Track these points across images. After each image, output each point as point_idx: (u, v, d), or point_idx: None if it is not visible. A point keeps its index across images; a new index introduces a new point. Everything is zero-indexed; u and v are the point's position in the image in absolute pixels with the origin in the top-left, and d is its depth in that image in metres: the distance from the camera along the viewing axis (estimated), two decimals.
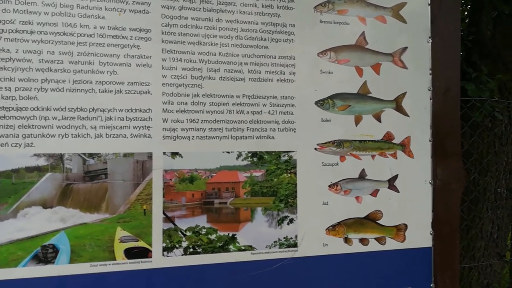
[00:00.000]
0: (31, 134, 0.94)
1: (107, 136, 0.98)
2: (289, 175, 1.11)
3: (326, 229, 1.13)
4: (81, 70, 0.97)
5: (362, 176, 1.16)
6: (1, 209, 0.91)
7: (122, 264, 0.98)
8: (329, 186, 1.13)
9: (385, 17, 1.19)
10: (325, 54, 1.14)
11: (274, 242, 1.09)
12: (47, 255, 0.92)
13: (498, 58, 2.89)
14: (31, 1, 0.94)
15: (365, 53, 1.17)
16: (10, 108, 0.93)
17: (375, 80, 1.18)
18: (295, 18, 1.12)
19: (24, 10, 0.94)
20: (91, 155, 0.98)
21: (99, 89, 0.98)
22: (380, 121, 1.18)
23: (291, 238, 1.11)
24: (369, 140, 1.17)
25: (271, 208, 1.10)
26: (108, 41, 0.98)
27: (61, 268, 0.95)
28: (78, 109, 0.96)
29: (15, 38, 0.93)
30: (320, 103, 1.14)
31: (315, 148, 1.13)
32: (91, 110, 0.97)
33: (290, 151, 1.11)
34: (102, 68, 0.98)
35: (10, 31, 0.93)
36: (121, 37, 0.99)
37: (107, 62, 0.98)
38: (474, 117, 2.45)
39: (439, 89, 1.23)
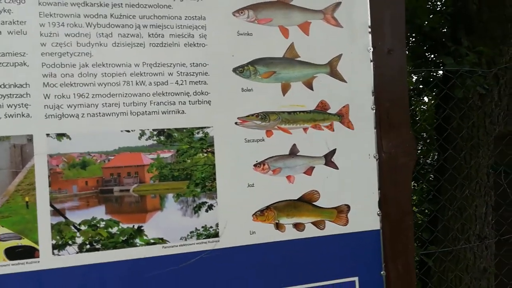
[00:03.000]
0: None
1: None
2: (205, 154, 1.01)
3: (253, 214, 1.02)
4: None
5: (293, 152, 1.05)
6: None
7: (4, 267, 0.87)
8: (255, 165, 1.02)
9: None
10: (242, 12, 1.02)
11: (191, 232, 0.99)
12: None
13: (485, 33, 2.81)
14: None
15: (291, 10, 1.06)
16: None
17: (304, 42, 1.06)
18: None
19: None
20: None
21: None
22: (312, 89, 1.07)
23: (211, 227, 1.00)
24: (300, 111, 1.06)
25: (185, 194, 0.99)
26: None
27: None
28: None
29: None
30: (239, 70, 1.03)
31: (236, 123, 1.02)
32: None
33: (205, 127, 1.00)
34: None
35: None
36: None
37: None
38: (453, 94, 2.37)
39: (381, 49, 1.11)
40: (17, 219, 0.89)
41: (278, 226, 1.04)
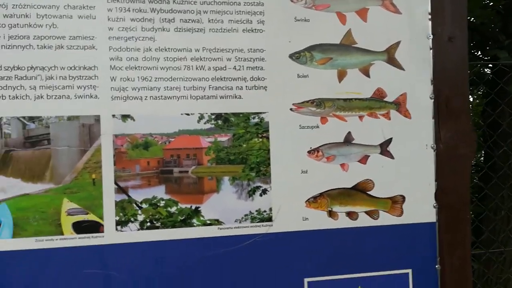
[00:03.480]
0: None
1: (48, 97, 0.92)
2: (260, 139, 1.02)
3: (306, 201, 1.03)
4: (17, 24, 0.93)
5: (348, 140, 1.05)
6: None
7: (71, 240, 0.93)
8: (309, 152, 1.03)
9: None
10: None
11: (245, 215, 1.01)
12: None
13: None
14: None
15: None
16: None
17: (362, 28, 1.05)
18: None
19: None
20: (31, 119, 0.93)
21: (38, 45, 0.93)
22: (368, 76, 1.06)
23: (265, 211, 1.02)
24: (355, 99, 1.05)
25: (241, 177, 1.01)
26: None
27: (3, 243, 0.91)
28: (15, 68, 0.92)
29: None
30: (296, 56, 1.03)
31: (291, 109, 1.03)
32: (29, 68, 0.93)
33: (261, 112, 1.02)
34: (40, 22, 0.93)
35: None
36: None
37: (46, 15, 0.93)
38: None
39: (442, 37, 1.09)
40: (84, 195, 0.94)
41: (331, 214, 1.04)
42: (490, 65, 2.63)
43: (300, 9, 1.04)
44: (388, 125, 1.06)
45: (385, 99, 1.06)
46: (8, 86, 0.91)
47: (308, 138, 1.04)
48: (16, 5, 0.91)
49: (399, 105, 1.07)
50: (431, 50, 1.08)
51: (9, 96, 0.91)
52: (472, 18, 3.23)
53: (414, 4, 1.08)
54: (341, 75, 1.05)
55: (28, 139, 0.93)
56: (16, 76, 0.91)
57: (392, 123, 1.07)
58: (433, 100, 1.08)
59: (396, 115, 1.07)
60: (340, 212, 1.05)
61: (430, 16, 1.09)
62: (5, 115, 0.92)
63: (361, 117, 1.05)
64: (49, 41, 0.92)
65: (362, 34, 1.06)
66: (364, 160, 1.05)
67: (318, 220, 1.04)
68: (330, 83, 1.05)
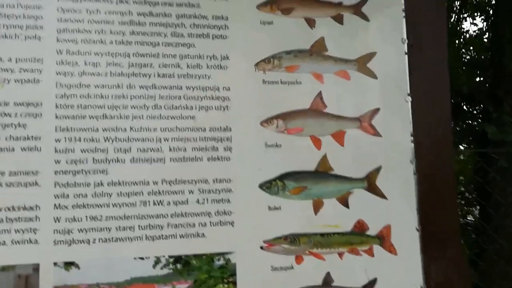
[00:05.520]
0: None
1: None
2: (226, 285, 0.93)
3: None
4: None
5: (327, 282, 0.96)
6: None
7: None
8: None
9: (349, 72, 1.06)
10: (270, 123, 0.99)
11: None
12: None
13: None
14: None
15: (324, 119, 1.01)
16: None
17: (339, 153, 1.01)
18: (229, 78, 0.98)
19: None
20: None
21: None
22: (347, 207, 0.99)
23: None
24: (334, 233, 0.97)
25: None
26: None
27: None
28: None
29: None
30: (266, 187, 0.97)
31: (261, 247, 0.95)
32: None
33: (226, 253, 0.93)
34: None
35: None
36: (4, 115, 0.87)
37: None
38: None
39: (426, 168, 1.05)
40: None
41: None
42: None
43: (271, 134, 0.98)
44: (372, 263, 0.98)
45: (366, 233, 0.99)
46: None
47: (281, 281, 0.93)
48: None
49: (383, 239, 0.99)
50: (415, 176, 1.04)
51: None
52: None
53: (396, 122, 1.04)
54: (317, 206, 0.98)
55: None
56: None
57: (376, 260, 0.98)
58: (419, 232, 1.01)
59: (380, 251, 0.99)
60: None
61: (412, 138, 1.05)
62: None
63: (340, 254, 0.97)
64: None
65: (338, 158, 1.00)
66: None
67: None
68: (305, 215, 0.97)
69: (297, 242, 0.95)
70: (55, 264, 0.85)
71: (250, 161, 0.97)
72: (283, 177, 0.97)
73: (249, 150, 0.97)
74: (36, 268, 0.85)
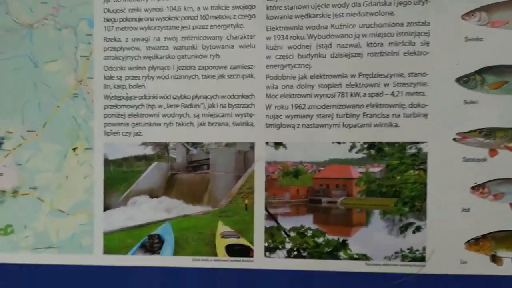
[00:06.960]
0: (139, 123, 1.06)
1: (209, 124, 1.04)
2: (416, 172, 1.00)
3: (466, 242, 0.98)
4: (185, 55, 1.04)
5: None
6: (113, 196, 1.06)
7: (224, 262, 1.04)
8: (473, 188, 0.98)
9: None
10: (472, 15, 0.97)
11: (395, 253, 1.00)
12: (153, 245, 1.03)
13: None
14: None
15: None
16: (121, 97, 1.06)
17: None
18: None
19: None
20: (194, 145, 1.05)
21: (202, 75, 1.04)
22: None
23: (417, 250, 1.00)
24: None
25: (392, 212, 1.01)
26: (211, 22, 1.03)
27: (165, 259, 1.06)
28: (182, 97, 1.05)
29: (125, 27, 1.06)
30: (464, 80, 0.97)
31: (455, 139, 0.99)
32: (194, 97, 1.04)
33: (419, 142, 0.99)
34: (205, 52, 1.03)
35: (121, 20, 1.06)
36: (224, 17, 1.03)
37: (210, 46, 1.03)
38: None
39: None
40: (237, 219, 1.04)
41: (495, 259, 0.98)
42: None
43: (472, 27, 0.97)
44: None
45: None
46: (176, 114, 1.04)
47: (472, 172, 0.98)
48: (185, 37, 1.03)
49: None
50: None
51: (176, 123, 1.04)
52: None
53: None
54: None
55: (191, 164, 1.05)
56: (183, 104, 1.04)
57: None
58: None
59: None
60: (506, 257, 0.98)
61: None
62: (172, 140, 1.05)
63: None
64: (212, 71, 1.03)
65: None
66: None
67: (479, 265, 0.98)
68: (503, 110, 0.97)
69: (492, 136, 0.96)
70: (266, 143, 1.02)
71: (447, 55, 0.97)
72: (482, 71, 0.96)
73: (447, 44, 0.97)
74: (251, 146, 1.02)
